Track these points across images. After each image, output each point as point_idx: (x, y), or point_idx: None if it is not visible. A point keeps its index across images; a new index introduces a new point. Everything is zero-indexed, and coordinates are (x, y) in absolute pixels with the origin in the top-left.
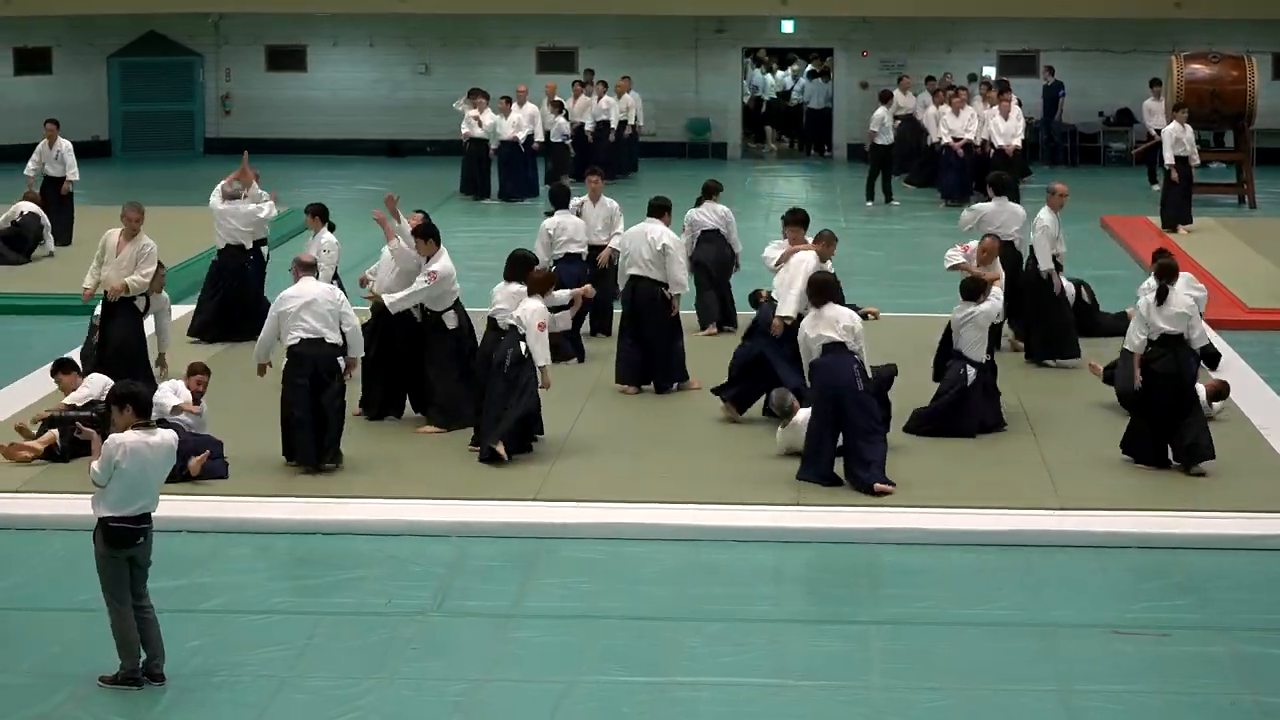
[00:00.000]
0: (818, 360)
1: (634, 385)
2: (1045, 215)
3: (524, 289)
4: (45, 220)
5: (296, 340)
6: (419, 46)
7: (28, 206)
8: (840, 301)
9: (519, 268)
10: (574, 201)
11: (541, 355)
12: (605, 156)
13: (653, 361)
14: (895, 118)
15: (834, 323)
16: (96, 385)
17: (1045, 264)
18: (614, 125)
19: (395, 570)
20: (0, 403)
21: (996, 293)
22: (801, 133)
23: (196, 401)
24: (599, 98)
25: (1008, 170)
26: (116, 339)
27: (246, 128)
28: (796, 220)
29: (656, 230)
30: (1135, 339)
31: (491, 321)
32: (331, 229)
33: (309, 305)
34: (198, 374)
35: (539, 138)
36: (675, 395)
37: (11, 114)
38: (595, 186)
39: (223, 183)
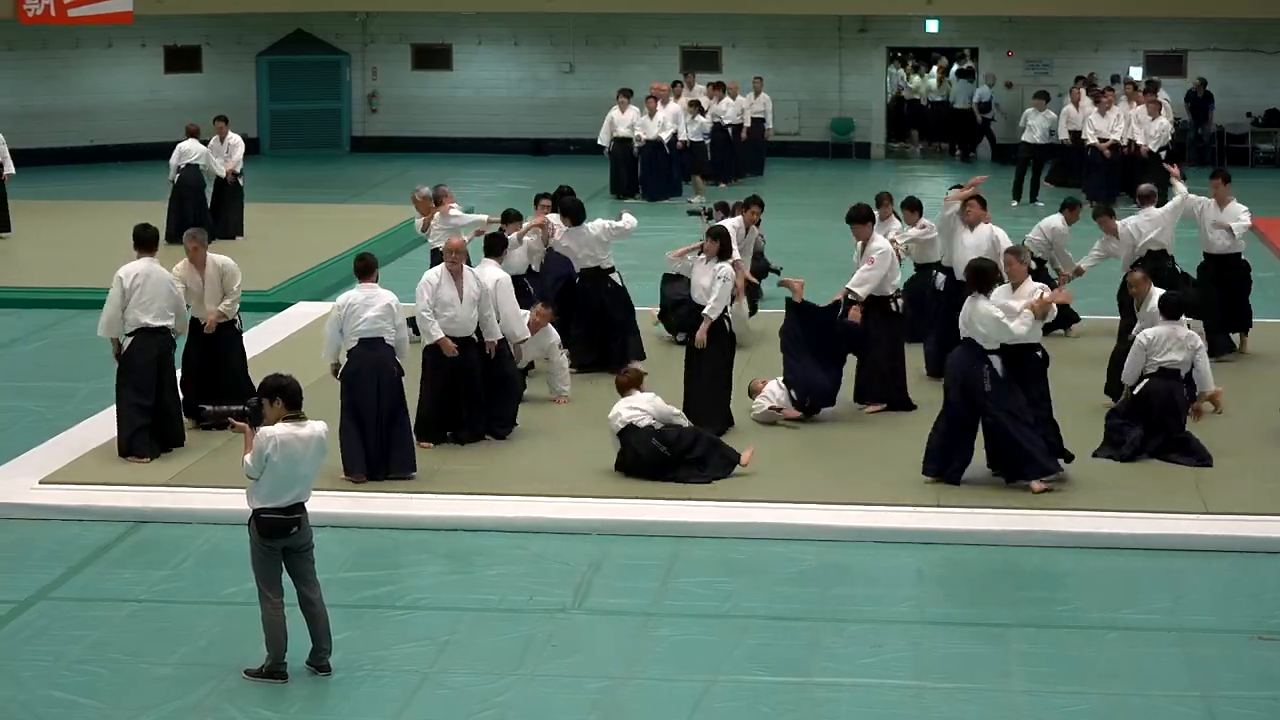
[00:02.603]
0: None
1: None
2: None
3: None
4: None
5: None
6: (563, 45)
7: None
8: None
9: None
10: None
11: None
12: (721, 158)
13: None
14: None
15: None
16: None
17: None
18: (728, 126)
19: (537, 567)
20: None
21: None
22: (932, 132)
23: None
24: (717, 100)
25: (1147, 172)
26: (234, 364)
27: (392, 126)
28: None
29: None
30: None
31: None
32: None
33: None
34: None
35: (683, 137)
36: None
37: (162, 112)
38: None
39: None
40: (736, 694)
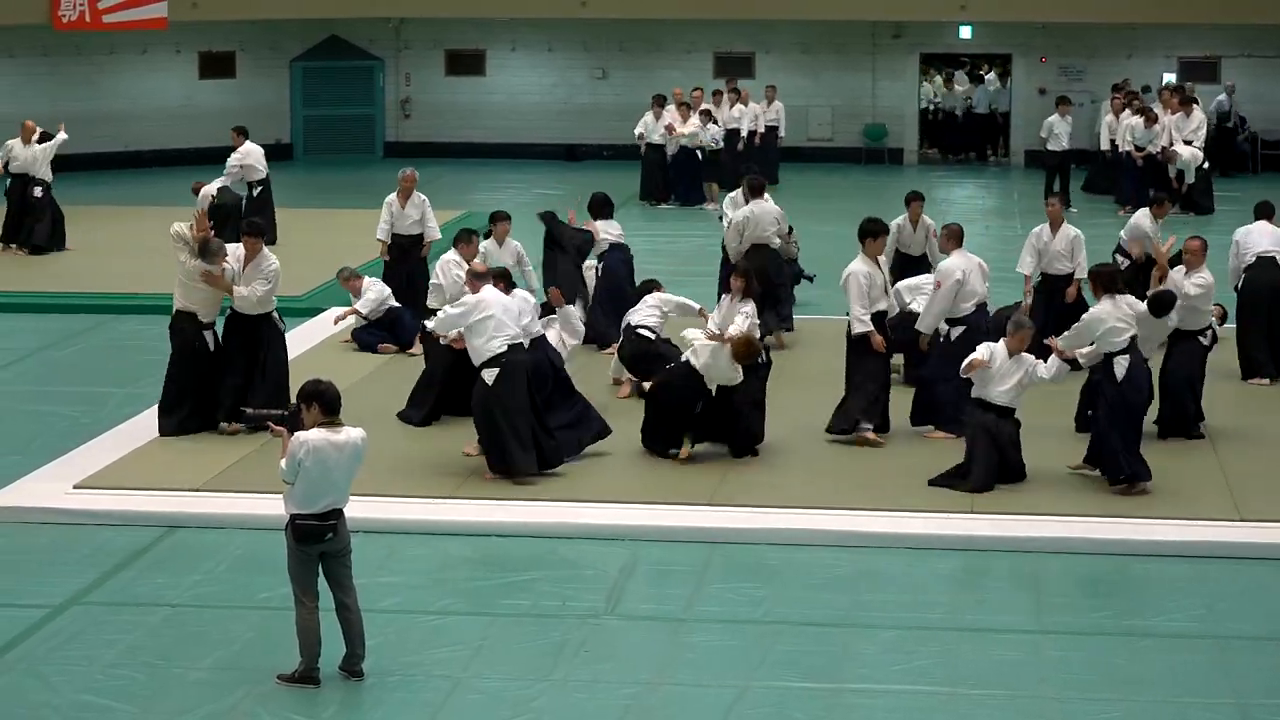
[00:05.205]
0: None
1: None
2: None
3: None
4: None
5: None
6: (596, 51)
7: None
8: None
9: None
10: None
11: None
12: (733, 164)
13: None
14: None
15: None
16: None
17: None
18: (744, 134)
19: (569, 573)
20: None
21: None
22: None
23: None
24: (730, 106)
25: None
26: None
27: (425, 131)
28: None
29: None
30: None
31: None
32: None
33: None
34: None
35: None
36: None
37: (196, 117)
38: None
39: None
40: (768, 700)
